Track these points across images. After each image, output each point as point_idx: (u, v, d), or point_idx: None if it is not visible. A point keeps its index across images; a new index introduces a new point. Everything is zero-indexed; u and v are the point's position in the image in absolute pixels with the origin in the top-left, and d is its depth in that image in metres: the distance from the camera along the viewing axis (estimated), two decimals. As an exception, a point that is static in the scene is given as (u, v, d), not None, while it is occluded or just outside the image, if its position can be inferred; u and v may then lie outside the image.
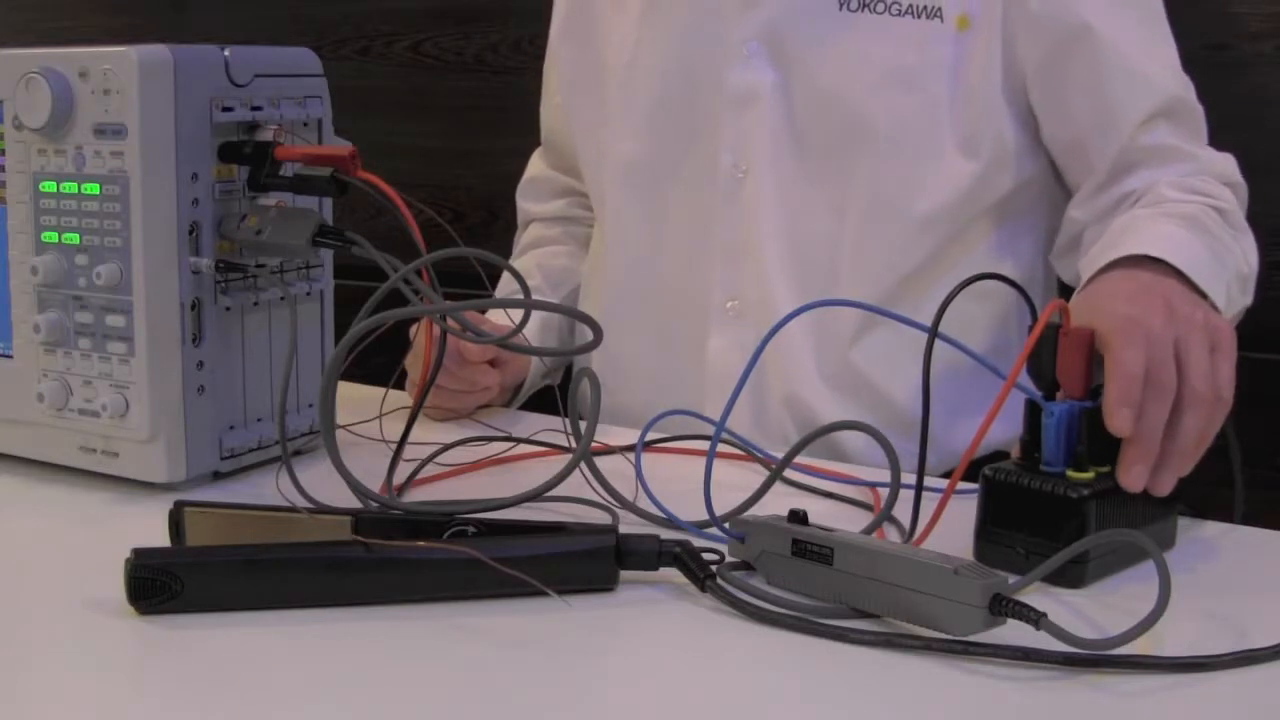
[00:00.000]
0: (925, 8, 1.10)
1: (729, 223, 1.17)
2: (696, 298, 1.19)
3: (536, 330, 1.24)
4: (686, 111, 1.18)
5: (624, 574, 0.76)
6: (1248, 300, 1.10)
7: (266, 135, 0.93)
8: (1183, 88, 1.14)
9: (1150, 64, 1.13)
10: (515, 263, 1.37)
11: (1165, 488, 0.80)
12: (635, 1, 1.21)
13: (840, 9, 1.11)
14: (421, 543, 0.73)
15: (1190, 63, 1.18)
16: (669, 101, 1.19)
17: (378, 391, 1.01)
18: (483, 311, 1.12)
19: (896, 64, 1.11)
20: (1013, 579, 0.71)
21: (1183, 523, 0.85)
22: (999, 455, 0.92)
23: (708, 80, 1.16)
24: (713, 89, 1.16)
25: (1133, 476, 0.78)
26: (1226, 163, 1.15)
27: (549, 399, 1.29)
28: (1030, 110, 1.14)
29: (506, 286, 1.29)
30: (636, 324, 1.23)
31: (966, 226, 1.15)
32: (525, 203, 1.42)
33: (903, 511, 0.85)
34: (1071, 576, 0.76)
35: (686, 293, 1.20)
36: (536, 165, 1.42)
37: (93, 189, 0.89)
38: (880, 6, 1.11)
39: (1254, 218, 1.28)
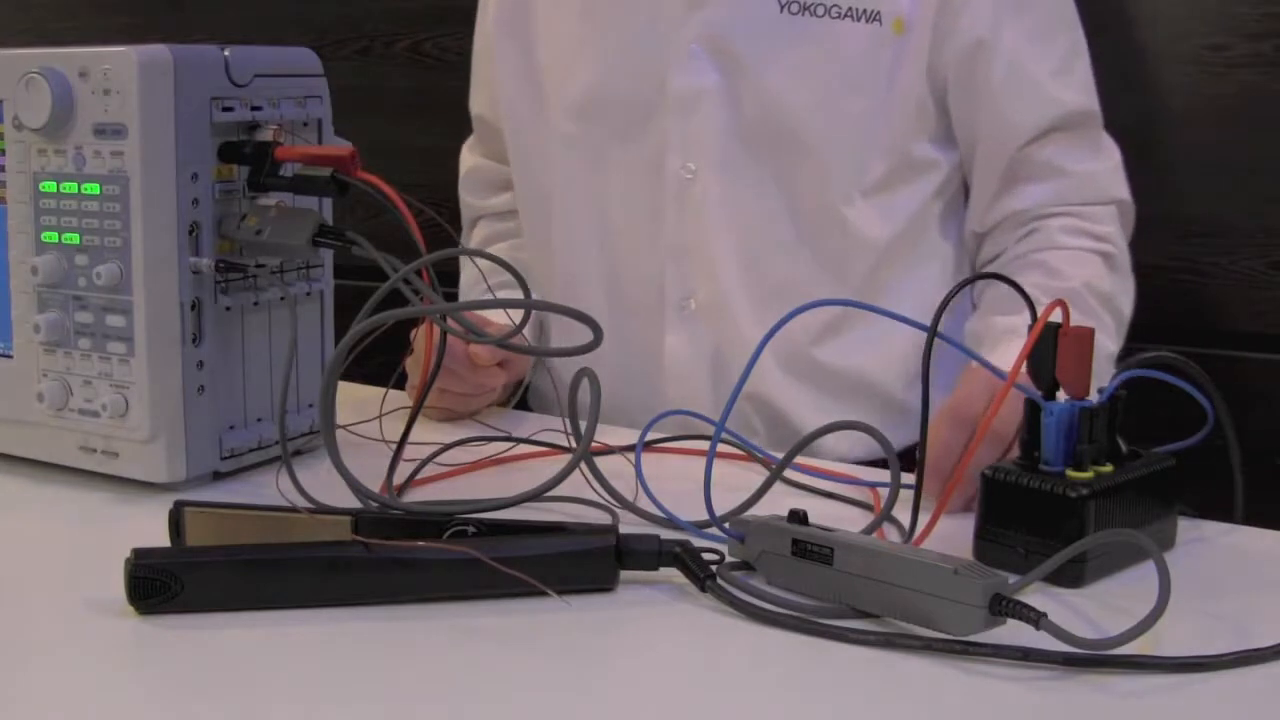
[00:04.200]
0: (865, 11, 1.12)
1: (679, 223, 1.18)
2: (649, 296, 1.20)
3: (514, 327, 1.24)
4: (629, 112, 1.18)
5: (624, 574, 0.76)
6: (1116, 347, 1.15)
7: (266, 135, 0.93)
8: (1083, 97, 1.18)
9: (1049, 77, 1.16)
10: (480, 260, 1.36)
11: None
12: (574, 2, 1.20)
13: (782, 11, 1.12)
14: (421, 543, 0.73)
15: (1190, 63, 1.18)
16: (611, 102, 1.19)
17: (378, 391, 1.01)
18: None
19: (839, 68, 1.12)
20: (1013, 579, 0.71)
21: (1183, 523, 0.85)
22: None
23: (650, 82, 1.17)
24: (656, 90, 1.16)
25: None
26: (1112, 176, 1.20)
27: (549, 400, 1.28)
28: (941, 100, 1.17)
29: (478, 286, 1.29)
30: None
31: (912, 221, 1.18)
32: (469, 198, 1.40)
33: (902, 511, 0.85)
34: (1071, 576, 0.76)
35: (639, 292, 1.20)
36: (472, 157, 1.40)
37: (93, 189, 0.89)
38: (821, 9, 1.12)
39: (1255, 220, 1.28)
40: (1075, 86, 1.18)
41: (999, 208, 1.19)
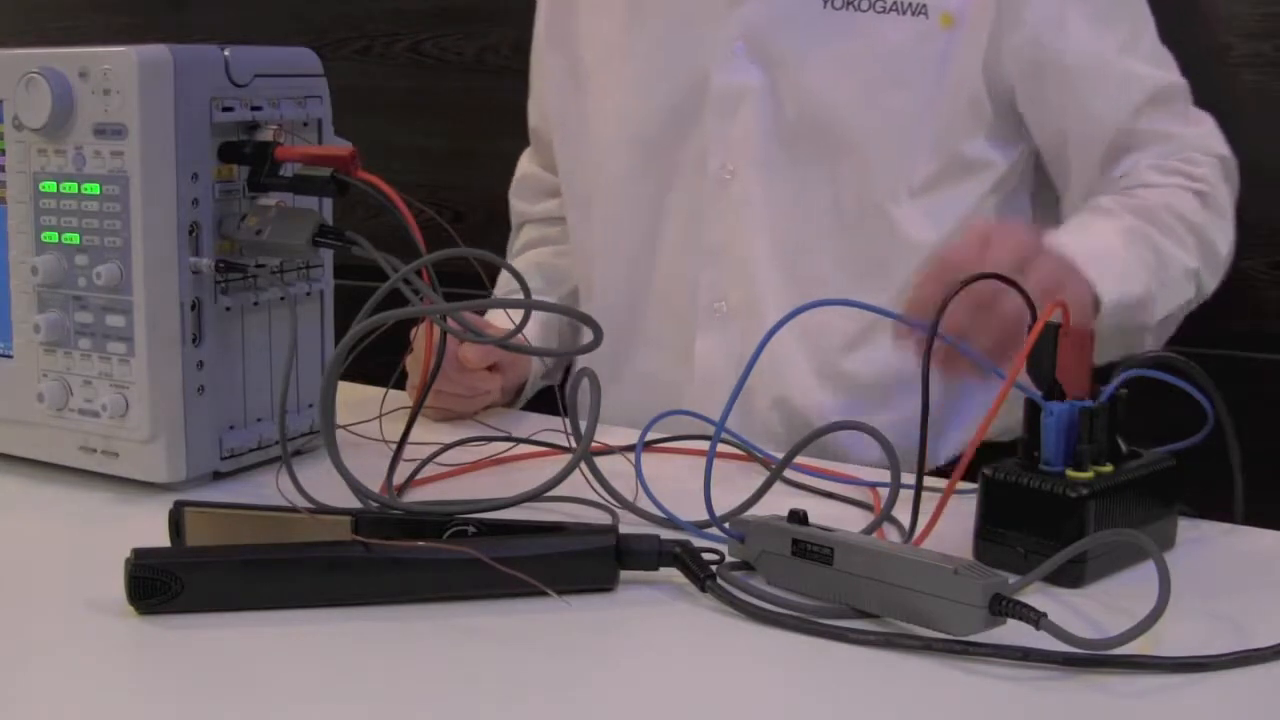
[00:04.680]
0: (910, 5, 1.10)
1: (717, 224, 1.16)
2: (684, 299, 1.19)
3: (538, 331, 1.24)
4: (673, 113, 1.18)
5: (624, 574, 0.76)
6: (1212, 285, 1.14)
7: (266, 135, 0.93)
8: (1165, 70, 1.16)
9: (1125, 58, 1.13)
10: (513, 263, 1.37)
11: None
12: (619, 5, 1.20)
13: (825, 6, 1.11)
14: (421, 543, 0.73)
15: (1190, 63, 1.18)
16: (656, 104, 1.18)
17: (378, 391, 1.01)
18: (482, 313, 1.12)
19: (883, 63, 1.11)
20: (1012, 579, 0.70)
21: (1183, 523, 0.85)
22: (995, 448, 0.92)
23: (694, 81, 1.16)
24: (699, 90, 1.16)
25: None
26: (1211, 136, 1.17)
27: (549, 399, 1.29)
28: (1011, 105, 1.15)
29: (505, 287, 1.29)
30: (626, 325, 1.23)
31: (962, 223, 1.15)
32: (518, 203, 1.41)
33: (903, 511, 0.85)
34: (1071, 576, 0.76)
35: (675, 294, 1.20)
36: (526, 165, 1.41)
37: (93, 189, 0.89)
38: (865, 4, 1.11)
39: (1255, 219, 1.27)
40: (1152, 61, 1.15)
41: (1101, 184, 1.15)
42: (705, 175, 1.16)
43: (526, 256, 1.37)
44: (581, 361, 1.26)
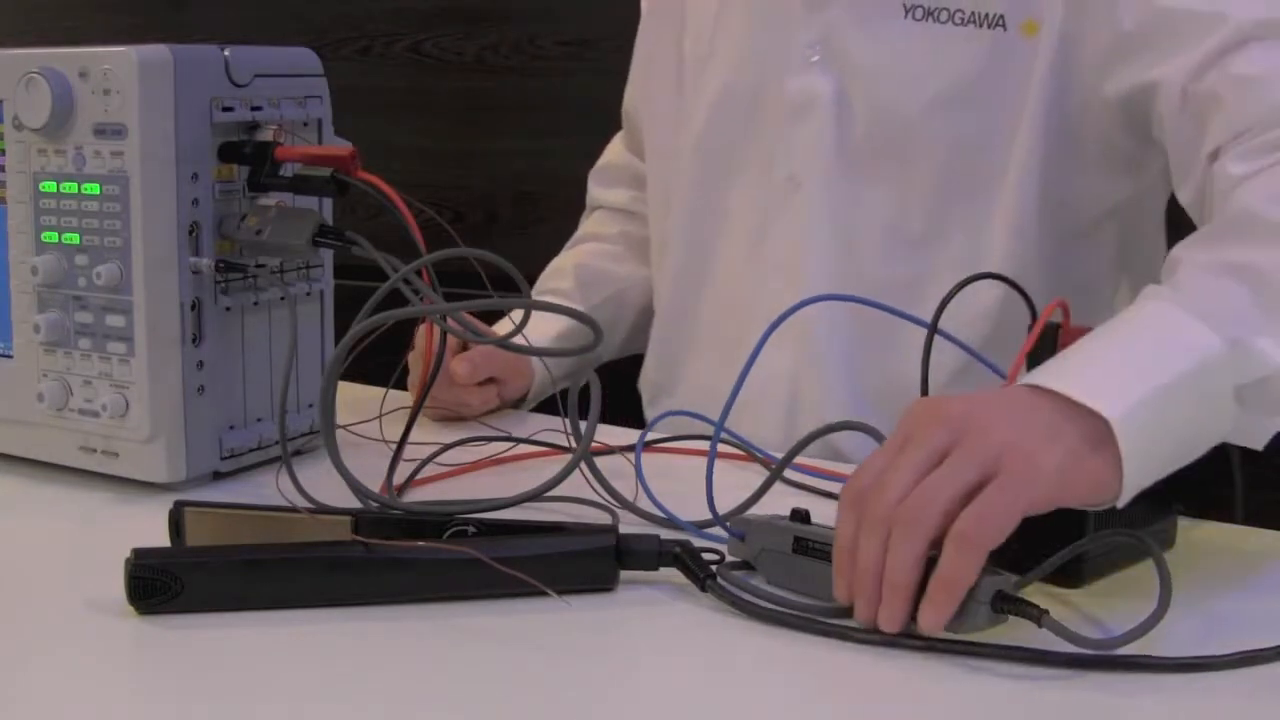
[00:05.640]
0: (988, 16, 1.03)
1: (780, 235, 1.12)
2: (745, 309, 1.15)
3: (554, 338, 1.20)
4: (748, 116, 1.14)
5: (624, 574, 0.76)
6: None
7: (266, 135, 0.93)
8: (1265, 9, 0.95)
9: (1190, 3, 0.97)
10: (561, 258, 1.34)
11: (894, 623, 0.68)
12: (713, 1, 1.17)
13: (906, 17, 1.05)
14: (421, 543, 0.73)
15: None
16: (733, 105, 1.14)
17: (378, 391, 1.01)
18: (491, 323, 1.11)
19: (958, 77, 1.05)
20: (1013, 578, 0.70)
21: (1183, 523, 0.85)
22: None
23: (770, 85, 1.12)
24: (774, 94, 1.11)
25: (857, 610, 0.70)
26: None
27: (549, 399, 1.29)
28: (1100, 118, 1.04)
29: (541, 287, 1.27)
30: (690, 331, 1.20)
31: (1037, 250, 1.07)
32: (595, 187, 1.38)
33: (903, 511, 0.84)
34: (1071, 576, 0.76)
35: (737, 303, 1.16)
36: (614, 150, 1.38)
37: (93, 189, 0.89)
38: (944, 15, 1.04)
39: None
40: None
41: (1199, 159, 0.96)
42: (771, 182, 1.12)
43: (571, 254, 1.34)
44: (646, 371, 1.24)
